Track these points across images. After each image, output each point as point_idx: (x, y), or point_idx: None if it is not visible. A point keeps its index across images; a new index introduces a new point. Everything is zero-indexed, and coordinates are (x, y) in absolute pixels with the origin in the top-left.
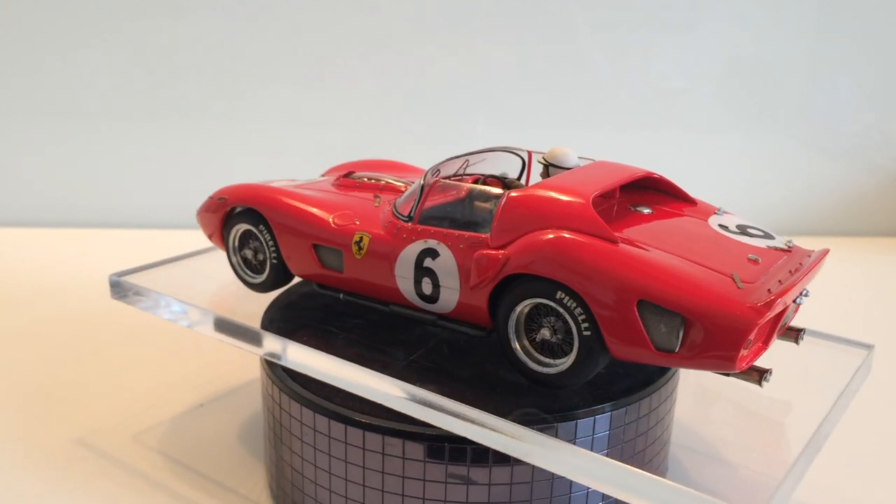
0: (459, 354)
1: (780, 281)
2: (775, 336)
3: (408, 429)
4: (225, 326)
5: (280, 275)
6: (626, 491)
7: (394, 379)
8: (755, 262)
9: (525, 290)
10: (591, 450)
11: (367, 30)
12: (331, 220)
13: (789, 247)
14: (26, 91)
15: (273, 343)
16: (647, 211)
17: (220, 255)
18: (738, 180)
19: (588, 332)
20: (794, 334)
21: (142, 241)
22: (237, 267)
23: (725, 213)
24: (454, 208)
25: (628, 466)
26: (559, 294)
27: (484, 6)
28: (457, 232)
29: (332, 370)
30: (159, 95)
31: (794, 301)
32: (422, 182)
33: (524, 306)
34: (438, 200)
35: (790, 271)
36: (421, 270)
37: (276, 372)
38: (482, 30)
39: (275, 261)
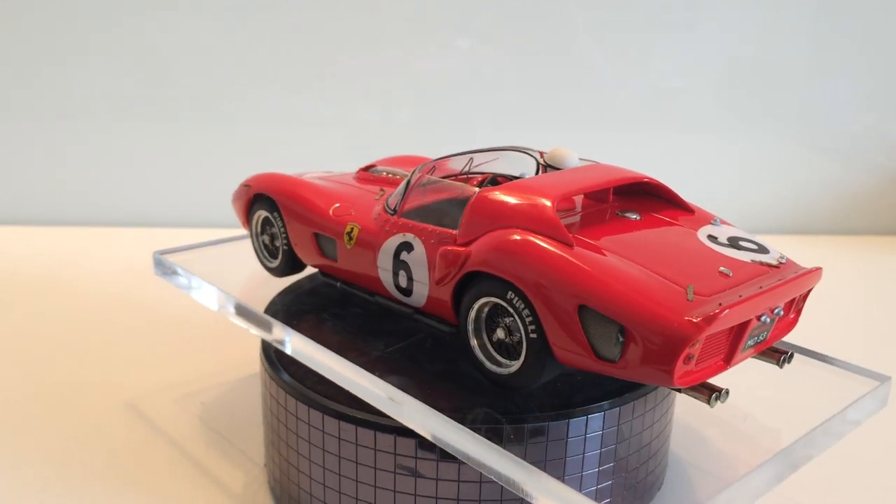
0: (441, 349)
1: (740, 295)
2: (741, 355)
3: (399, 425)
4: (230, 306)
5: (291, 261)
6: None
7: (355, 367)
8: (725, 275)
9: (481, 288)
10: (584, 450)
11: (367, 30)
12: (331, 210)
13: (780, 263)
14: (26, 91)
15: (260, 321)
16: (635, 217)
17: None
18: (738, 180)
19: (535, 335)
20: (777, 357)
21: (141, 241)
22: (258, 251)
23: (723, 223)
24: (434, 204)
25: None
26: (510, 294)
27: (484, 6)
28: (430, 227)
29: (303, 349)
30: (160, 95)
31: (759, 318)
32: (409, 177)
33: (481, 304)
34: (430, 197)
35: (761, 287)
36: (398, 263)
37: (275, 367)
38: (482, 30)
39: (286, 247)
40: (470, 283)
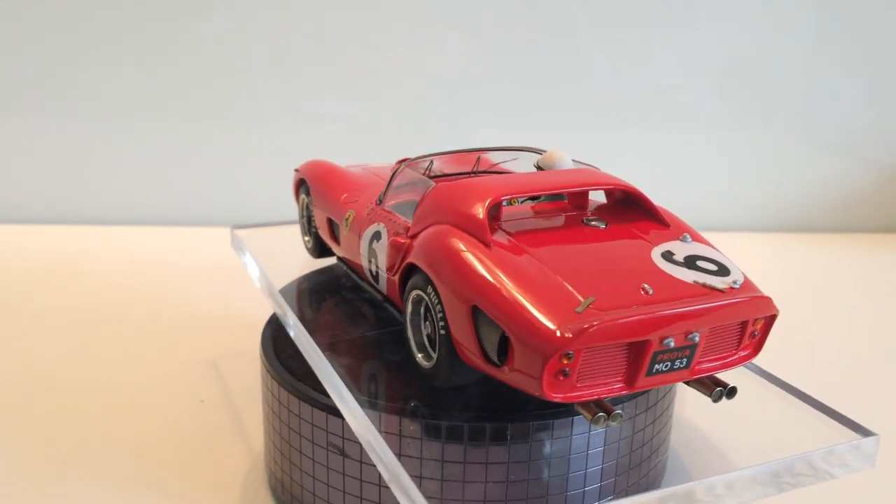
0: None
1: (641, 315)
2: (647, 380)
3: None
4: (259, 281)
5: (319, 243)
6: None
7: (315, 346)
8: (644, 292)
9: (415, 280)
10: (588, 447)
11: (366, 29)
12: (342, 197)
13: (729, 288)
14: (25, 91)
15: (274, 297)
16: (600, 226)
17: None
18: (738, 177)
19: (443, 331)
20: (709, 388)
21: (141, 241)
22: (301, 232)
23: (696, 240)
24: (406, 197)
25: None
26: (429, 288)
27: (484, 5)
28: (396, 218)
29: (294, 328)
30: (161, 95)
31: (662, 343)
32: (395, 169)
33: (414, 296)
34: (406, 190)
35: (673, 309)
36: (370, 250)
37: (275, 366)
38: (482, 29)
39: (314, 229)
40: (409, 275)
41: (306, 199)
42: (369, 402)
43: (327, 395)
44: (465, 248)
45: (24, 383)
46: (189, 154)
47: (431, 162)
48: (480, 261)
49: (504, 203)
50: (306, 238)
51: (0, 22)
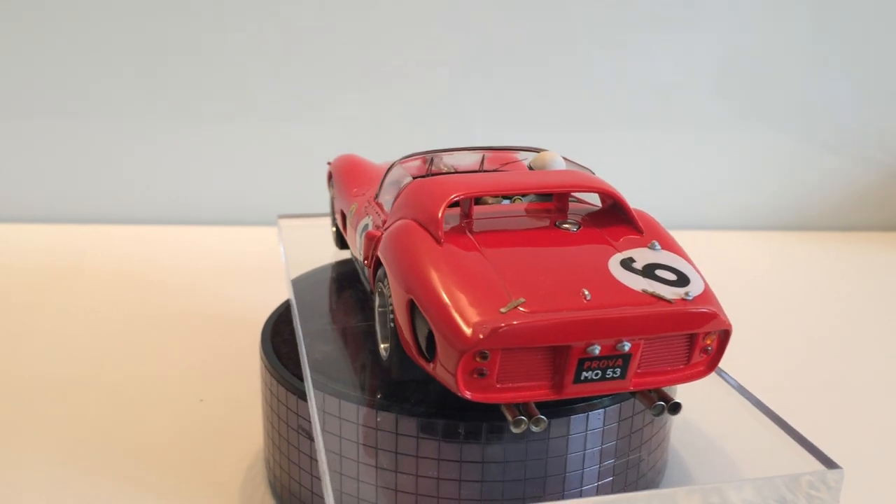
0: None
1: (560, 318)
2: (577, 387)
3: (399, 418)
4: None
5: (340, 234)
6: None
7: (300, 335)
8: (582, 297)
9: (380, 272)
10: (585, 446)
11: (365, 29)
12: (353, 190)
13: (679, 299)
14: (24, 91)
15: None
16: (572, 229)
17: None
18: (736, 176)
19: (392, 325)
20: (649, 402)
21: (140, 240)
22: (331, 223)
23: (666, 249)
24: (394, 191)
25: None
26: (385, 280)
27: (481, 4)
28: (380, 211)
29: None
30: (160, 94)
31: (587, 350)
32: (392, 163)
33: (380, 288)
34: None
35: (601, 316)
36: (360, 241)
37: (273, 363)
38: (479, 29)
39: (336, 221)
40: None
41: (331, 192)
42: (335, 389)
43: (335, 396)
44: (413, 244)
45: (23, 383)
46: (188, 153)
47: (431, 160)
48: (425, 256)
49: (475, 201)
50: (333, 229)
51: (0, 22)
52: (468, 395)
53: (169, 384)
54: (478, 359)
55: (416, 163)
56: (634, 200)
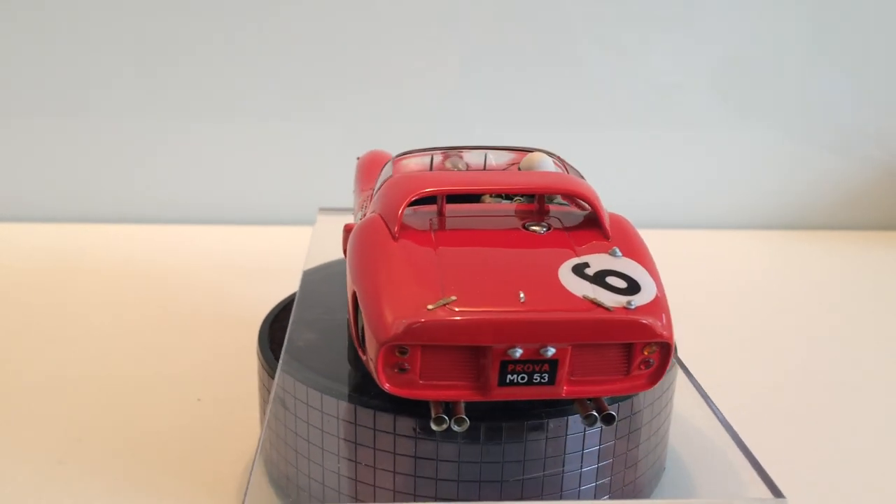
0: None
1: (476, 317)
2: (503, 390)
3: (397, 406)
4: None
5: None
6: None
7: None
8: (515, 299)
9: None
10: (583, 446)
11: (365, 29)
12: (366, 186)
13: (618, 308)
14: (24, 90)
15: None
16: (539, 231)
17: None
18: (734, 175)
19: (348, 317)
20: (584, 410)
21: (139, 239)
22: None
23: (627, 255)
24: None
25: None
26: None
27: (481, 5)
28: (370, 205)
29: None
30: (160, 94)
31: (507, 352)
32: (392, 159)
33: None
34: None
35: (521, 318)
36: None
37: (268, 358)
38: (478, 28)
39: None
40: None
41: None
42: (305, 376)
43: (330, 379)
44: (369, 238)
45: (22, 382)
46: (188, 153)
47: (445, 158)
48: (374, 251)
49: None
50: None
51: (1, 22)
52: (387, 387)
53: (167, 384)
54: (397, 353)
55: (415, 159)
56: (633, 200)
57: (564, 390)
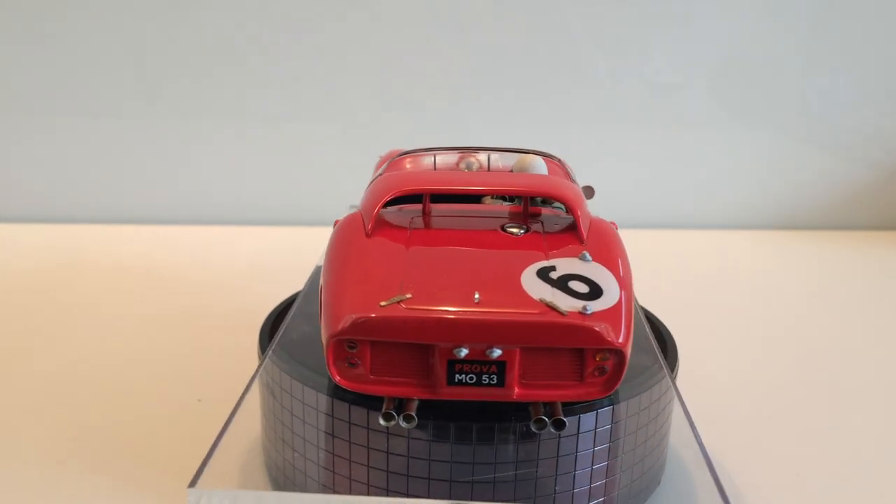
0: None
1: (419, 315)
2: (453, 389)
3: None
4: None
5: None
6: None
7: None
8: (470, 299)
9: None
10: (594, 444)
11: (364, 28)
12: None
13: (574, 312)
14: (24, 90)
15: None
16: (517, 233)
17: None
18: (734, 175)
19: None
20: (535, 414)
21: (139, 239)
22: None
23: (595, 262)
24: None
25: None
26: None
27: (479, 4)
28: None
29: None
30: (161, 94)
31: (453, 351)
32: (393, 157)
33: None
34: None
35: (464, 318)
36: None
37: (266, 345)
38: (477, 28)
39: None
40: None
41: None
42: (289, 367)
43: (321, 374)
44: (343, 235)
45: (21, 382)
46: (189, 154)
47: (433, 154)
48: (344, 247)
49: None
50: None
51: (1, 22)
52: (338, 380)
53: (168, 384)
54: (347, 347)
55: (420, 159)
56: (631, 199)
57: (515, 393)
